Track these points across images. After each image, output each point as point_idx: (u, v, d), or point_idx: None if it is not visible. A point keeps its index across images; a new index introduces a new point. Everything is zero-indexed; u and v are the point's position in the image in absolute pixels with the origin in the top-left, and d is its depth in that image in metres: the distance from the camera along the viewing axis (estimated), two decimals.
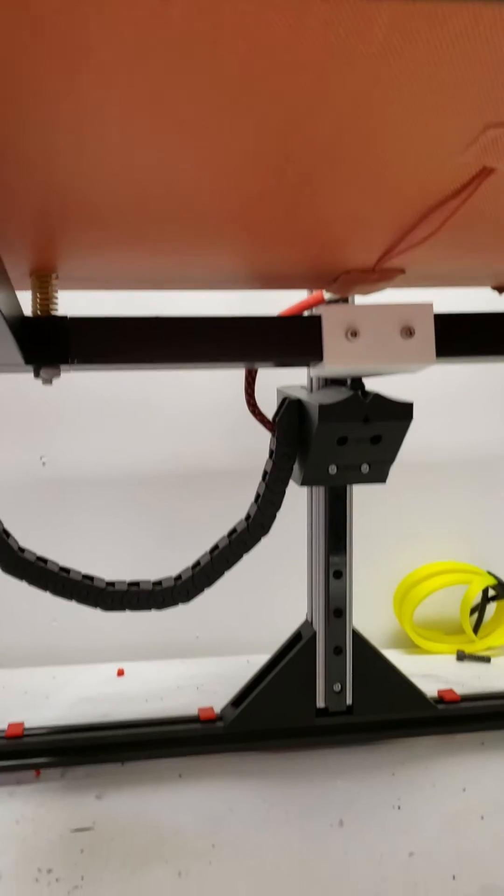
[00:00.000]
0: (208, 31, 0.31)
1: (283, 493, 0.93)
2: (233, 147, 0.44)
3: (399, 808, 0.92)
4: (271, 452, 0.93)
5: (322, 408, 0.84)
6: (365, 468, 0.89)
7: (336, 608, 1.01)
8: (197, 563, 0.94)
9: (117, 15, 0.30)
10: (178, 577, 0.94)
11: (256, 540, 0.93)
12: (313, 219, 0.60)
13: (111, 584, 0.92)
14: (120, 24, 0.30)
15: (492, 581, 1.40)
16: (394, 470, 0.91)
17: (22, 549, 0.90)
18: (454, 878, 0.79)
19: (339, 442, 0.86)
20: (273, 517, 0.93)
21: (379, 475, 0.90)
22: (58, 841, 0.86)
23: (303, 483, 0.92)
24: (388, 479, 0.92)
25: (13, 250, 0.66)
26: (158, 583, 0.93)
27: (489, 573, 1.41)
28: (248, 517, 0.94)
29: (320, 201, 0.56)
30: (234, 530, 0.94)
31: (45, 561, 0.91)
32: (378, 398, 0.85)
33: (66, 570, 0.91)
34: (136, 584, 0.93)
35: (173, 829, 0.88)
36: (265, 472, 0.93)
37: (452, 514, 1.46)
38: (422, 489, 1.43)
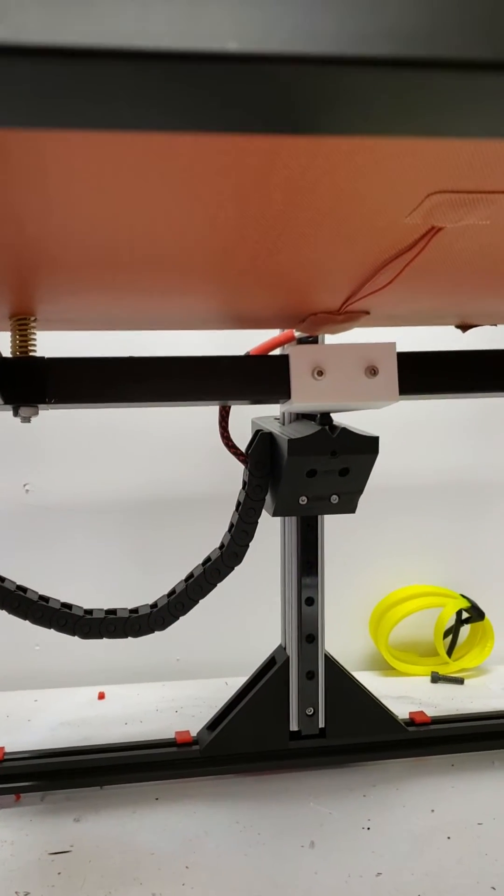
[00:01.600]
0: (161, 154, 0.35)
1: (255, 523, 0.96)
2: (191, 214, 0.48)
3: (369, 829, 0.95)
4: (244, 483, 0.96)
5: (291, 442, 0.87)
6: (334, 499, 0.93)
7: (308, 634, 1.04)
8: (172, 591, 0.97)
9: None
10: (154, 605, 0.97)
11: (230, 568, 0.96)
12: (276, 268, 0.63)
13: (89, 612, 0.95)
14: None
15: (465, 604, 1.43)
16: (370, 496, 0.95)
17: (2, 579, 0.93)
18: None
19: (309, 474, 0.90)
20: (246, 546, 0.96)
21: (348, 506, 0.94)
22: (36, 863, 0.89)
23: (274, 514, 0.95)
24: (365, 506, 0.95)
25: None
26: (135, 610, 0.96)
27: (463, 596, 1.44)
28: (221, 546, 0.97)
29: (280, 253, 0.59)
30: (208, 559, 0.98)
31: (24, 590, 0.94)
32: (345, 432, 0.89)
33: (46, 599, 0.94)
34: (114, 612, 0.96)
35: (149, 851, 0.90)
36: (238, 503, 0.96)
37: (427, 538, 1.49)
38: (397, 515, 1.47)
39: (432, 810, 0.98)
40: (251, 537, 0.96)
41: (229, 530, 0.97)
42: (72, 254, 0.56)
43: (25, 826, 0.96)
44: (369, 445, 0.90)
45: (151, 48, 0.18)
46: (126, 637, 0.94)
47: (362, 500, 0.96)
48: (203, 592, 0.96)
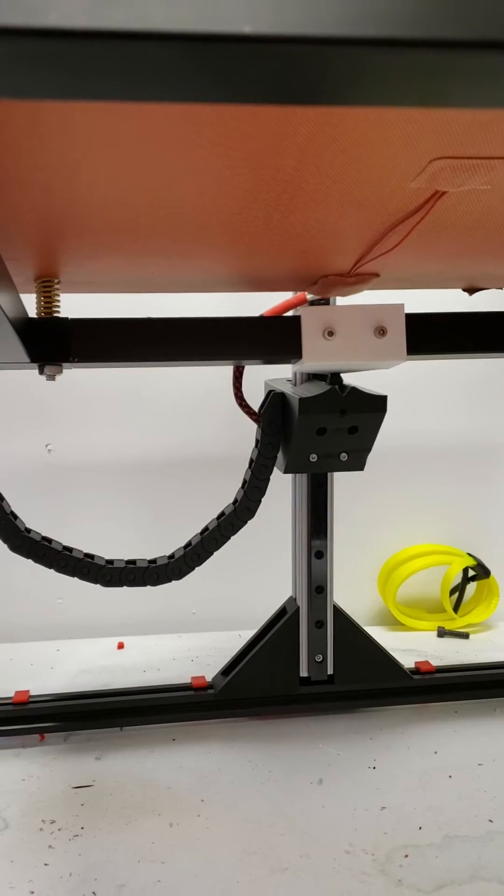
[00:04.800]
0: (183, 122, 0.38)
1: (267, 480, 1.00)
2: (205, 174, 0.50)
3: (374, 768, 1.00)
4: (257, 441, 1.00)
5: (302, 401, 0.91)
6: (344, 456, 0.97)
7: (318, 585, 1.09)
8: (189, 544, 1.02)
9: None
10: (172, 556, 1.01)
11: (243, 522, 1.01)
12: (288, 230, 0.66)
13: (110, 562, 1.00)
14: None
15: (471, 562, 1.47)
16: (379, 458, 0.99)
17: (28, 530, 0.98)
18: (420, 828, 0.87)
19: (319, 432, 0.93)
20: (258, 502, 1.00)
21: (357, 463, 0.98)
22: (60, 796, 0.94)
23: (286, 470, 0.99)
24: (376, 468, 0.99)
25: (19, 259, 0.73)
26: (153, 561, 1.01)
27: (469, 554, 1.48)
28: (235, 501, 1.01)
29: (292, 216, 0.61)
30: (222, 513, 1.02)
31: (49, 541, 0.99)
32: (354, 391, 0.92)
33: (69, 550, 0.99)
34: (133, 562, 1.01)
35: (166, 786, 0.96)
36: (251, 460, 1.00)
37: (435, 498, 1.53)
38: (406, 476, 1.50)
39: (435, 752, 1.03)
40: (263, 493, 1.01)
41: (242, 486, 1.01)
42: (96, 217, 0.59)
43: (50, 763, 1.02)
44: (377, 404, 0.93)
45: (179, 30, 0.22)
46: (145, 585, 0.99)
47: (371, 462, 0.99)
48: (217, 545, 1.01)
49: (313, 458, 0.96)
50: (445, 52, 0.23)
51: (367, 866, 0.81)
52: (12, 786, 0.96)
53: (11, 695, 1.10)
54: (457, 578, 1.50)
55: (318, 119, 0.41)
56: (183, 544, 1.03)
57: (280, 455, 1.00)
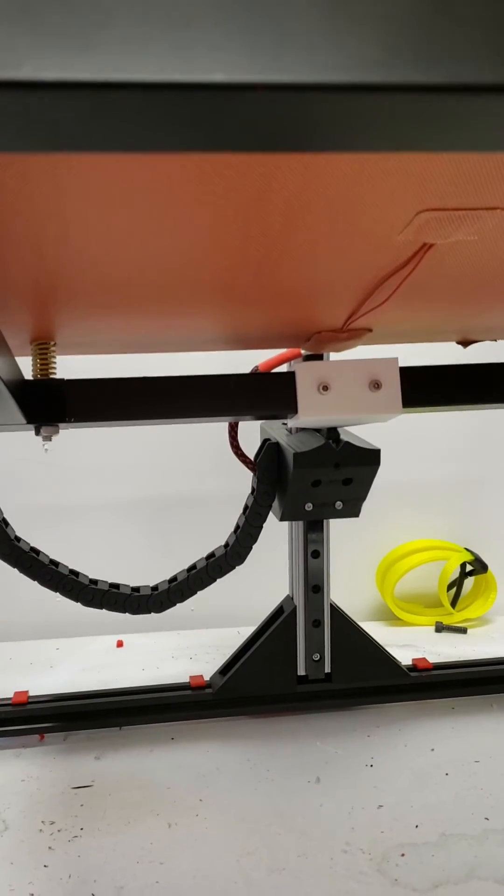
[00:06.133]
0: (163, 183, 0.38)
1: (260, 528, 1.01)
2: (195, 231, 0.50)
3: (371, 766, 1.00)
4: (253, 489, 1.01)
5: (297, 455, 0.92)
6: (339, 505, 0.98)
7: (314, 585, 1.09)
8: (174, 578, 1.02)
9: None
10: (155, 588, 1.02)
11: (231, 567, 1.02)
12: (279, 286, 0.65)
13: (94, 582, 1.00)
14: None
15: (469, 557, 1.48)
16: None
17: (18, 539, 0.98)
18: (417, 826, 0.88)
19: (314, 484, 0.95)
20: (249, 548, 1.01)
21: (352, 511, 0.99)
22: (60, 797, 0.95)
23: (282, 518, 1.01)
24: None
25: (13, 322, 0.72)
26: (136, 589, 1.01)
27: (467, 550, 1.49)
28: (226, 545, 1.02)
29: (282, 272, 0.61)
30: (212, 554, 1.02)
31: (37, 552, 0.99)
32: (348, 446, 0.93)
33: (55, 564, 0.99)
34: (117, 586, 1.01)
35: (165, 786, 0.97)
36: (246, 506, 1.01)
37: (433, 495, 1.53)
38: (404, 472, 1.51)
39: (432, 749, 1.04)
40: (255, 540, 1.01)
41: (235, 531, 1.02)
42: (88, 277, 0.58)
43: (49, 763, 1.02)
44: (371, 458, 0.95)
45: (151, 80, 0.22)
46: (125, 612, 1.00)
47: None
48: (203, 585, 1.01)
49: (309, 507, 0.98)
50: (415, 97, 0.23)
51: (363, 865, 0.81)
52: (12, 786, 0.97)
53: (11, 695, 1.10)
54: (454, 573, 1.50)
55: (302, 173, 0.41)
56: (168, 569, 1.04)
57: (276, 502, 1.01)
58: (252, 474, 1.02)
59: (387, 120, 0.23)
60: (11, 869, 0.82)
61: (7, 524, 0.98)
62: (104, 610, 1.00)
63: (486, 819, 0.89)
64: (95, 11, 0.22)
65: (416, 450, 1.51)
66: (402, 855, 0.83)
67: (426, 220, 0.49)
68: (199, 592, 0.96)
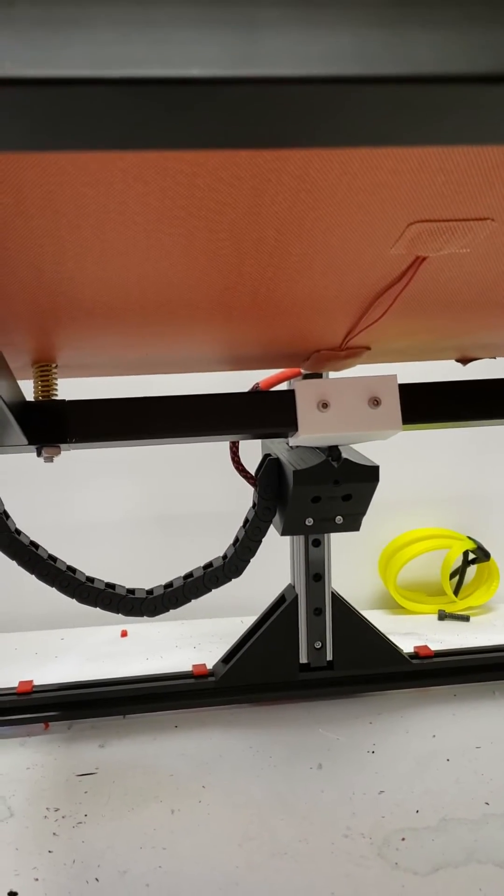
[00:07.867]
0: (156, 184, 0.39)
1: (259, 542, 1.02)
2: (192, 251, 0.50)
3: (373, 752, 1.01)
4: (254, 504, 1.01)
5: (297, 473, 0.93)
6: (339, 520, 0.99)
7: (315, 573, 1.10)
8: (169, 584, 1.03)
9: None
10: (150, 592, 1.02)
11: (227, 580, 1.03)
12: (276, 305, 0.66)
13: (90, 580, 1.01)
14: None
15: (472, 545, 1.48)
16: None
17: (18, 532, 0.99)
18: (417, 811, 0.89)
19: (314, 500, 0.96)
20: (247, 562, 1.02)
21: (352, 525, 1.00)
22: (64, 784, 0.96)
23: (283, 533, 1.02)
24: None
25: (14, 344, 0.72)
26: (132, 591, 1.02)
27: (469, 538, 1.49)
28: (224, 557, 1.03)
29: (278, 289, 0.61)
30: (210, 564, 1.03)
31: (36, 546, 1.00)
32: (348, 462, 0.94)
33: (54, 559, 1.00)
34: (112, 586, 1.02)
35: (168, 773, 0.98)
36: (246, 520, 1.02)
37: (436, 483, 1.54)
38: (407, 461, 1.51)
39: (434, 736, 1.05)
40: (253, 554, 1.03)
41: (234, 544, 1.02)
42: (87, 296, 0.59)
43: (54, 751, 1.03)
44: (370, 474, 0.96)
45: (127, 75, 0.23)
46: (118, 613, 1.01)
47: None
48: (197, 594, 1.02)
49: (309, 521, 0.99)
50: (392, 88, 0.23)
51: (364, 850, 0.82)
52: (17, 774, 0.98)
53: (16, 685, 1.11)
54: (457, 562, 1.51)
55: (293, 186, 0.41)
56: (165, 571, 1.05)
57: (277, 517, 1.01)
58: (253, 489, 1.03)
59: (361, 113, 0.23)
60: (17, 854, 0.83)
61: (8, 516, 0.98)
62: (98, 608, 1.01)
63: (487, 804, 0.89)
64: (71, 7, 0.22)
65: (419, 438, 1.51)
66: (403, 839, 0.83)
67: (417, 233, 0.49)
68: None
